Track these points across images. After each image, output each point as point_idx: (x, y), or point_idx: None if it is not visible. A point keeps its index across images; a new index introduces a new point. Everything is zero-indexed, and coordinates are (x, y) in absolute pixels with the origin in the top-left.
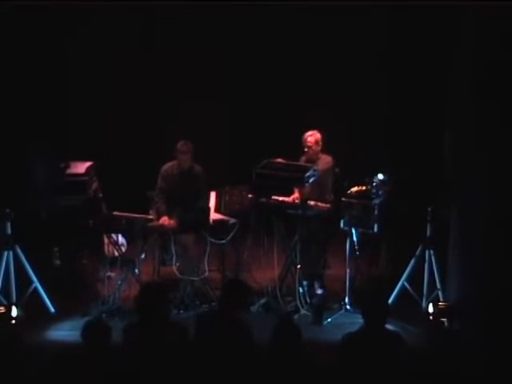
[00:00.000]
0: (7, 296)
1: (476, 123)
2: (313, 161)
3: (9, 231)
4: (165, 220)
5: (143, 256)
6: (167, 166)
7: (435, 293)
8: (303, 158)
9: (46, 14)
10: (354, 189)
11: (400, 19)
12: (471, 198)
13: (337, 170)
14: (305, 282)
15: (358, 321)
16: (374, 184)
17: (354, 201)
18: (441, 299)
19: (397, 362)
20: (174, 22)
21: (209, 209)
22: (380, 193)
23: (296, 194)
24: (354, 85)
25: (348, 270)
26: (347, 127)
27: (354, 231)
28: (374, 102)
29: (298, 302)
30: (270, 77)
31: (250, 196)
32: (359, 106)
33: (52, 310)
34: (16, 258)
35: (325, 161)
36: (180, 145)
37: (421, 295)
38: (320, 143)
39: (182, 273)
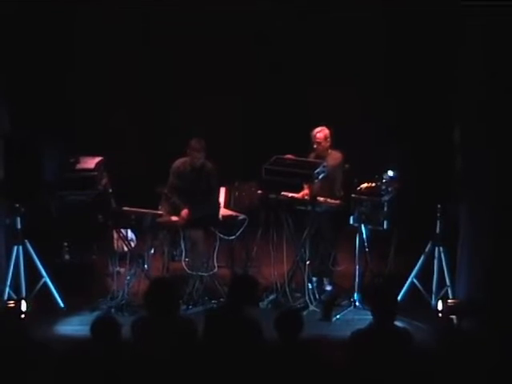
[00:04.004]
0: (17, 290)
1: (485, 120)
2: (322, 157)
3: (19, 226)
4: (185, 213)
5: (152, 251)
6: (179, 162)
7: (444, 290)
8: (312, 155)
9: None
10: (364, 185)
11: (405, 16)
12: (481, 195)
13: (347, 166)
14: (314, 279)
15: (367, 317)
16: (384, 181)
17: (363, 197)
18: (450, 296)
19: (405, 358)
20: (183, 16)
21: (219, 205)
22: (390, 189)
23: (305, 191)
24: (364, 82)
25: (357, 267)
26: (358, 123)
27: (363, 228)
28: (383, 98)
29: (307, 298)
30: (280, 73)
31: (259, 192)
32: (370, 102)
33: (61, 304)
34: (26, 252)
35: (334, 157)
36: (194, 142)
37: (430, 292)
38: (329, 139)
39: (191, 268)
